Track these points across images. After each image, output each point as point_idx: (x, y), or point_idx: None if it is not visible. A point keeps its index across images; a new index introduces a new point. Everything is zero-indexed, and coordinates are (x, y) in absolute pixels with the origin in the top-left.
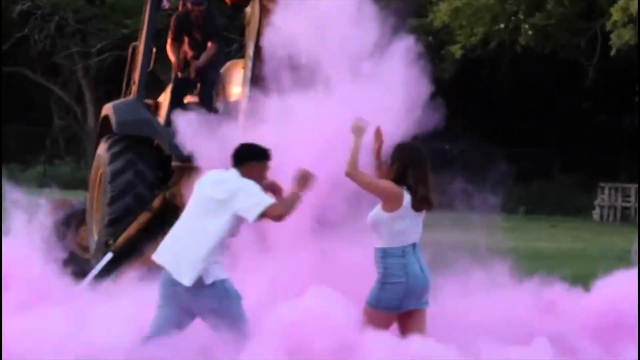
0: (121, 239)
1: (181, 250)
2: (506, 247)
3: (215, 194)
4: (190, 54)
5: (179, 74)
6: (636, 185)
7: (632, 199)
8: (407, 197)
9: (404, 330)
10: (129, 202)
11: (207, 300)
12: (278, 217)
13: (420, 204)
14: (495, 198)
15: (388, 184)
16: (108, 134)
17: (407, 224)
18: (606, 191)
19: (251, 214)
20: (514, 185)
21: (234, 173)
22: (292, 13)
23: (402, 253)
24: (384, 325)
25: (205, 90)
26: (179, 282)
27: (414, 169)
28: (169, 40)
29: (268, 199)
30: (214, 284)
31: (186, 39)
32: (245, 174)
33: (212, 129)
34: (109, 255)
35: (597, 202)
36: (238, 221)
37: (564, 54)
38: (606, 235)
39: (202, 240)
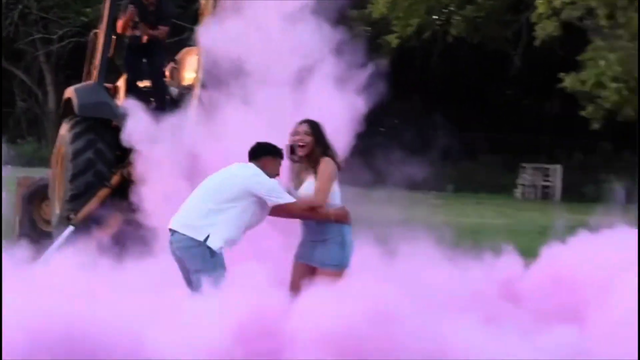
0: (81, 213)
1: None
2: (436, 221)
3: (237, 176)
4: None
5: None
6: (555, 166)
7: (552, 178)
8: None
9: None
10: (89, 179)
11: (196, 259)
12: (294, 213)
13: (339, 167)
14: (425, 176)
15: (331, 166)
16: (70, 115)
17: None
18: (528, 171)
19: (271, 200)
20: (443, 164)
21: (251, 165)
22: (231, 12)
23: None
24: None
25: (154, 71)
26: (173, 241)
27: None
28: (119, 23)
29: (289, 197)
30: (206, 246)
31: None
32: (261, 168)
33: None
34: (70, 229)
35: (519, 181)
36: (258, 208)
37: (492, 44)
38: (528, 211)
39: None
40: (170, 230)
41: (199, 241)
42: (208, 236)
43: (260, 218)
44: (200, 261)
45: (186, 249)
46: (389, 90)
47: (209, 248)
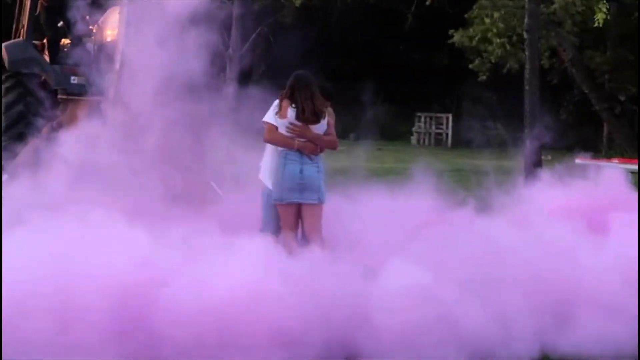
0: (15, 161)
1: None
2: (342, 166)
3: None
4: None
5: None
6: (447, 115)
7: (444, 126)
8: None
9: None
10: (22, 129)
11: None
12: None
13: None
14: None
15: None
16: (1, 70)
17: None
18: (422, 119)
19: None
20: (344, 114)
21: None
22: None
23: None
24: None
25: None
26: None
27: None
28: None
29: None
30: None
31: None
32: None
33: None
34: (4, 176)
35: (414, 129)
36: None
37: (387, 3)
38: (423, 156)
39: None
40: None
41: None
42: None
43: None
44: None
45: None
46: (292, 46)
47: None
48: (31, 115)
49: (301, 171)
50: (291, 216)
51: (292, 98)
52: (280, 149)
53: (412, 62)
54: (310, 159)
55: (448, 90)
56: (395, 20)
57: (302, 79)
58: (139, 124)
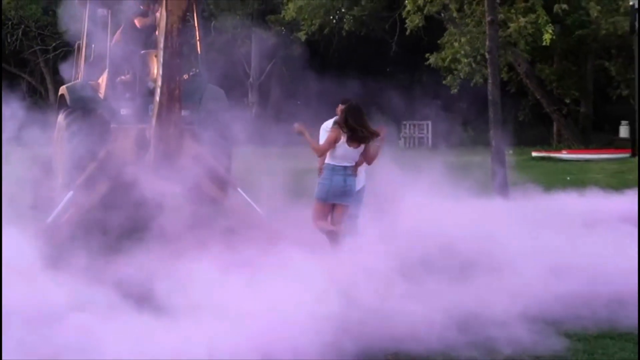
0: (78, 181)
1: None
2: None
3: None
4: None
5: None
6: (427, 122)
7: (425, 131)
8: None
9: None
10: (83, 155)
11: None
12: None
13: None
14: None
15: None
16: (64, 107)
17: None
18: (407, 126)
19: None
20: None
21: None
22: None
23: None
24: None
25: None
26: None
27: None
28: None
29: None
30: None
31: None
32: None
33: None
34: (70, 194)
35: (402, 134)
36: None
37: (375, 35)
38: (408, 158)
39: None
40: None
41: None
42: None
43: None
44: None
45: None
46: (302, 71)
47: None
48: (89, 143)
49: (344, 181)
50: (326, 211)
51: (346, 124)
52: (330, 164)
53: (397, 81)
54: (353, 173)
55: (427, 102)
56: (381, 48)
57: (354, 107)
58: (177, 146)
